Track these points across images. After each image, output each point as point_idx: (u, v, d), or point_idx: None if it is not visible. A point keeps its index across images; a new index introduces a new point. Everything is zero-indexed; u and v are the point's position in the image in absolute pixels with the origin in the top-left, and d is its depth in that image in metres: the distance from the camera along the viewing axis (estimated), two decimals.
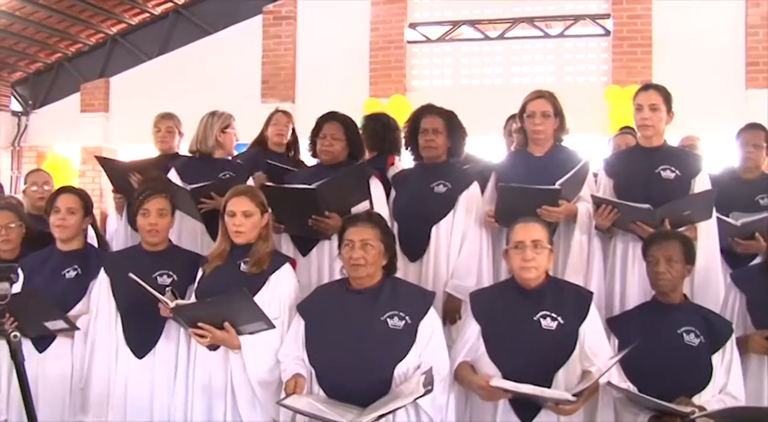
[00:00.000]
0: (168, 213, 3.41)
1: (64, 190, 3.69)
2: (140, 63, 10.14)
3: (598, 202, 3.49)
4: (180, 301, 3.05)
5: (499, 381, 2.71)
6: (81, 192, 3.68)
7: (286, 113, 4.94)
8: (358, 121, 4.21)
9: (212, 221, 3.82)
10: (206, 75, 9.36)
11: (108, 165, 4.37)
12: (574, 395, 2.65)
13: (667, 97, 3.54)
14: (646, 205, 3.35)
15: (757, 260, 3.42)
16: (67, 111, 10.41)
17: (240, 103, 8.41)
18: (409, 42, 9.08)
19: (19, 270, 3.10)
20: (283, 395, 2.82)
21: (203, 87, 9.14)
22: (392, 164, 4.19)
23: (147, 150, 9.20)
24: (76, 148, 10.33)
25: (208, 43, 9.77)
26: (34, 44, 10.34)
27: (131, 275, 3.05)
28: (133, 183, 4.10)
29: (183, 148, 4.67)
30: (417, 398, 2.63)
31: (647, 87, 3.62)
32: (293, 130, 4.85)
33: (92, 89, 10.25)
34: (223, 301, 2.97)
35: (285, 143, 4.85)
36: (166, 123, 4.55)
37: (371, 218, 3.04)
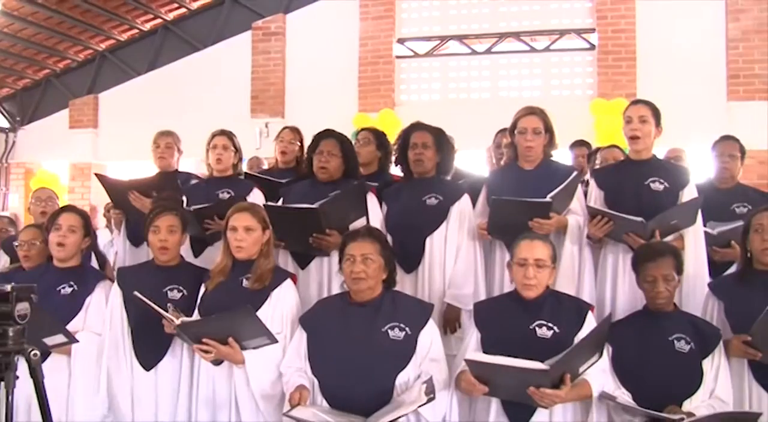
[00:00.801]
0: (179, 229, 3.47)
1: (66, 208, 3.74)
2: (129, 79, 10.20)
3: (593, 213, 3.58)
4: (185, 318, 3.11)
5: (472, 354, 2.79)
6: (83, 212, 3.73)
7: (293, 130, 4.94)
8: (351, 136, 4.30)
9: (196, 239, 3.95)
10: (196, 91, 9.44)
11: (107, 182, 4.41)
12: (548, 365, 2.72)
13: (656, 112, 3.65)
14: (639, 219, 3.44)
15: (733, 268, 3.51)
16: (55, 127, 10.45)
17: (230, 118, 8.49)
18: (397, 57, 9.22)
19: None
20: (287, 407, 2.88)
21: (193, 103, 9.23)
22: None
23: (136, 166, 9.33)
24: (65, 164, 10.36)
25: (197, 58, 9.86)
26: (22, 61, 10.38)
27: (136, 293, 3.12)
28: (131, 201, 4.15)
29: (182, 166, 4.72)
30: (420, 406, 2.70)
31: (637, 101, 3.75)
32: (301, 145, 4.87)
33: (81, 105, 10.29)
34: (228, 318, 3.03)
35: (292, 159, 4.86)
36: (165, 140, 4.56)
37: (371, 233, 3.13)
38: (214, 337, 3.03)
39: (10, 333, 2.30)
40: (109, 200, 8.16)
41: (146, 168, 8.53)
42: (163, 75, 9.97)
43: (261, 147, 8.60)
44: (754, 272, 3.25)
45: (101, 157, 10.17)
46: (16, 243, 3.86)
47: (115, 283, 3.49)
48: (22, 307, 2.32)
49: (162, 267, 3.47)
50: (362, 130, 4.58)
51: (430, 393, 2.70)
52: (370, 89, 9.12)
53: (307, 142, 4.74)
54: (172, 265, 3.48)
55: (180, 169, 4.66)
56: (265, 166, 5.83)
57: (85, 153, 10.16)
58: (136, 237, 4.30)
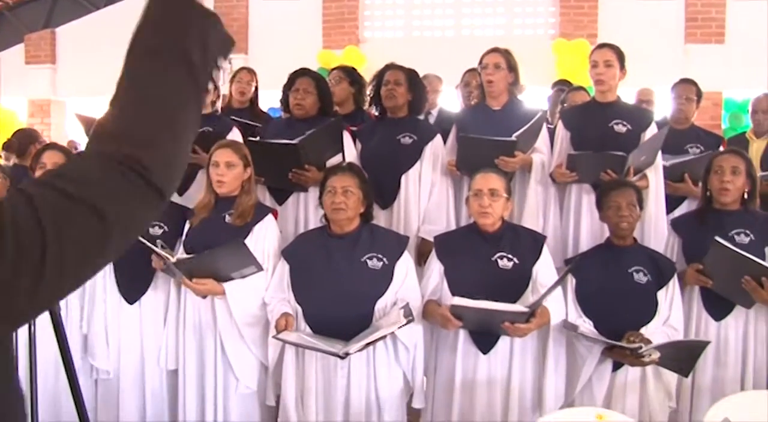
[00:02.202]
0: None
1: (50, 146, 3.77)
2: (87, 13, 9.91)
3: (573, 159, 3.71)
4: (180, 256, 3.24)
5: (458, 300, 2.95)
6: (66, 149, 3.77)
7: (250, 71, 4.99)
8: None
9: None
10: None
11: (85, 121, 4.42)
12: (526, 307, 2.93)
13: (620, 55, 3.78)
14: (621, 152, 3.59)
15: (686, 203, 3.72)
16: (10, 63, 10.13)
17: None
18: None
19: None
20: (274, 332, 3.05)
21: None
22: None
23: (97, 102, 9.19)
24: (23, 100, 10.14)
25: None
26: None
27: None
28: None
29: None
30: (400, 327, 2.89)
31: (602, 45, 3.86)
32: (256, 86, 4.93)
33: (37, 40, 10.01)
34: (221, 252, 3.16)
35: (248, 99, 4.93)
36: None
37: (352, 168, 3.28)
38: (204, 273, 3.17)
39: None
40: (70, 137, 8.17)
41: (106, 103, 8.52)
42: (123, 8, 9.63)
43: (225, 83, 8.53)
44: (712, 211, 3.44)
45: (61, 94, 9.98)
46: None
47: None
48: None
49: None
50: (333, 69, 4.64)
51: (409, 315, 2.89)
52: (334, 26, 9.06)
53: (262, 82, 4.85)
54: None
55: None
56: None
57: (43, 89, 9.95)
58: None
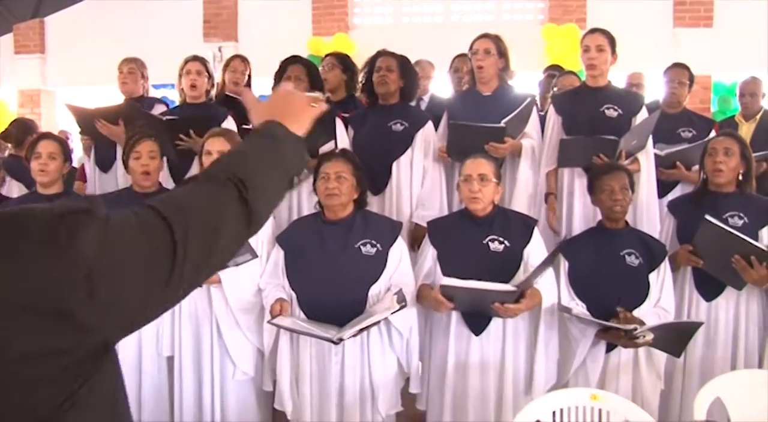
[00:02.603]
0: (158, 155, 3.55)
1: (44, 136, 3.78)
2: (76, 2, 9.81)
3: (564, 146, 3.74)
4: None
5: (448, 280, 2.99)
6: (60, 139, 3.77)
7: (243, 60, 4.95)
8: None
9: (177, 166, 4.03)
10: (146, 15, 9.19)
11: (75, 111, 4.43)
12: (515, 286, 2.98)
13: (611, 40, 3.80)
14: (613, 137, 3.62)
15: (678, 187, 3.76)
16: None
17: (182, 42, 8.36)
18: None
19: None
20: (269, 317, 3.08)
21: (143, 27, 9.04)
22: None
23: (87, 91, 9.17)
24: (12, 90, 10.09)
25: None
26: None
27: None
28: (99, 128, 4.20)
29: (150, 92, 4.75)
30: (393, 312, 2.93)
31: (594, 30, 3.87)
32: (249, 75, 4.94)
33: (26, 30, 9.93)
34: None
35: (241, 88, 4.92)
36: (128, 65, 4.54)
37: (345, 154, 3.30)
38: None
39: None
40: (60, 127, 8.15)
41: (97, 93, 8.50)
42: None
43: (217, 71, 8.53)
44: (708, 193, 3.48)
45: (50, 84, 9.93)
46: None
47: None
48: None
49: (140, 193, 3.54)
50: (326, 56, 4.66)
51: (402, 301, 2.92)
52: (323, 12, 9.03)
53: (253, 70, 4.85)
54: (151, 192, 3.55)
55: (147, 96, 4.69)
56: None
57: (33, 79, 9.87)
58: (104, 162, 4.39)
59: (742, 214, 3.38)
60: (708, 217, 3.20)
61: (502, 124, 3.64)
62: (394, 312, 2.93)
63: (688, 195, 3.71)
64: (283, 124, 1.29)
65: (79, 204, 0.97)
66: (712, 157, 3.43)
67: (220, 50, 8.95)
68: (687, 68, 4.53)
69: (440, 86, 5.72)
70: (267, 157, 1.24)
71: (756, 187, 3.59)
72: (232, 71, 4.87)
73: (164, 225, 1.02)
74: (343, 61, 4.50)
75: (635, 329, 3.00)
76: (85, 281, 0.90)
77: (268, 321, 3.08)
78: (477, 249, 3.18)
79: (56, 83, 9.88)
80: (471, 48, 3.94)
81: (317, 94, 1.49)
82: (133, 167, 3.53)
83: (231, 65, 4.90)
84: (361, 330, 2.92)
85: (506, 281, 3.09)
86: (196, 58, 4.30)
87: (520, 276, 3.14)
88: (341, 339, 2.88)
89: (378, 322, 2.99)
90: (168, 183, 4.03)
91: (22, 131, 5.27)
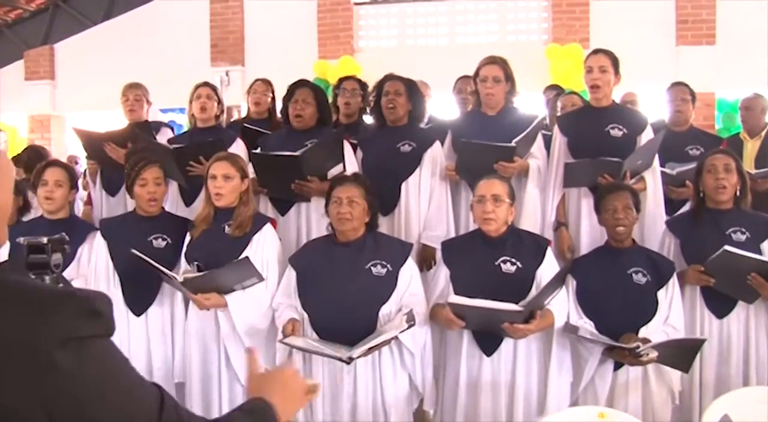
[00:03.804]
0: (162, 181, 3.61)
1: (51, 163, 3.82)
2: (85, 29, 10.00)
3: (572, 167, 3.76)
4: (187, 275, 3.30)
5: (455, 298, 3.02)
6: (67, 166, 3.83)
7: (265, 81, 5.01)
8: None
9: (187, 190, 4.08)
10: (154, 40, 9.33)
11: (83, 135, 4.50)
12: (523, 306, 3.00)
13: (615, 61, 3.82)
14: (617, 159, 3.65)
15: (687, 206, 3.79)
16: (10, 79, 10.22)
17: (190, 67, 8.51)
18: (355, 3, 9.23)
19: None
20: (281, 336, 3.12)
21: (152, 52, 9.16)
22: None
23: (96, 116, 9.28)
24: (23, 116, 10.21)
25: (154, 7, 9.70)
26: None
27: (134, 251, 3.29)
28: (108, 152, 4.26)
29: (152, 117, 4.82)
30: (402, 331, 2.96)
31: (597, 51, 3.90)
32: (273, 97, 4.98)
33: (36, 56, 10.10)
34: (227, 270, 3.24)
35: (265, 110, 4.95)
36: (134, 92, 4.63)
37: (357, 179, 3.35)
38: (209, 288, 3.24)
39: (48, 282, 2.50)
40: (70, 152, 8.23)
41: (106, 118, 8.60)
42: (120, 24, 9.80)
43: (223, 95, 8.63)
44: (707, 210, 3.50)
45: (60, 109, 10.05)
46: None
47: (98, 234, 3.63)
48: (57, 258, 2.51)
49: (144, 217, 3.60)
50: (344, 79, 4.71)
51: (411, 320, 2.96)
52: (329, 36, 9.14)
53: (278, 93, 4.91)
54: (154, 215, 3.61)
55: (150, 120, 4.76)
56: (236, 116, 5.91)
57: (43, 104, 10.02)
58: (112, 186, 4.44)
59: (744, 229, 3.41)
60: (729, 249, 3.21)
61: (512, 144, 3.68)
62: (403, 331, 2.96)
63: (685, 213, 3.70)
64: (273, 409, 1.30)
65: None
66: (713, 174, 3.45)
67: (227, 74, 9.05)
68: (687, 85, 4.58)
69: (443, 107, 5.77)
70: None
71: (756, 202, 3.61)
72: (253, 92, 4.93)
73: None
74: (363, 89, 4.58)
75: (638, 347, 3.01)
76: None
77: (280, 340, 3.11)
78: (489, 270, 3.21)
79: (66, 108, 10.01)
80: (477, 73, 3.96)
81: (317, 383, 1.53)
82: (140, 193, 3.57)
83: (252, 87, 4.96)
84: (371, 348, 2.95)
85: (518, 302, 3.10)
86: (206, 84, 4.42)
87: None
88: (351, 359, 2.91)
89: (388, 342, 3.02)
90: (179, 207, 4.09)
91: (34, 158, 5.33)
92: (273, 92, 4.96)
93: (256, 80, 5.08)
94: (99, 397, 1.00)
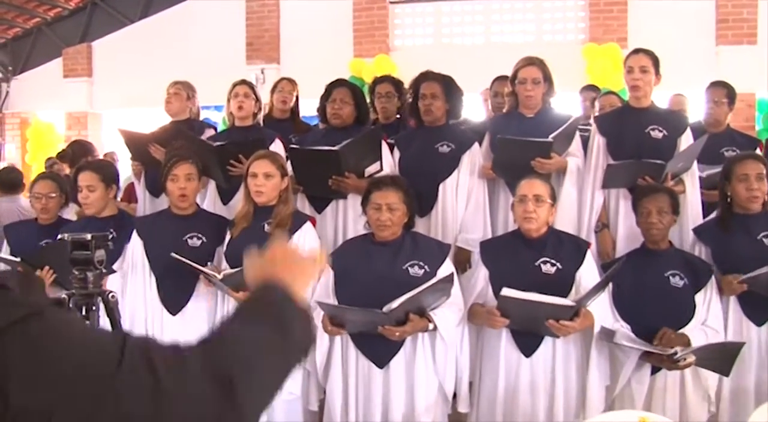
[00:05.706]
0: (195, 177, 3.61)
1: (82, 167, 3.86)
2: (122, 26, 10.14)
3: (611, 170, 3.72)
4: (226, 271, 3.33)
5: (508, 291, 2.98)
6: (98, 168, 3.84)
7: (290, 81, 5.04)
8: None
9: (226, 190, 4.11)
10: (190, 38, 9.40)
11: (127, 135, 4.52)
12: (573, 301, 2.98)
13: (655, 61, 3.78)
14: (660, 161, 3.61)
15: (714, 214, 3.74)
16: (49, 76, 10.41)
17: (225, 65, 8.57)
18: (391, 2, 9.21)
19: None
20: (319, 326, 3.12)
21: (188, 50, 9.23)
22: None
23: (132, 114, 9.40)
24: (60, 113, 10.37)
25: (190, 5, 9.79)
26: (12, 9, 10.28)
27: (174, 255, 3.33)
28: (152, 152, 4.25)
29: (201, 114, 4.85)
30: (434, 283, 3.02)
31: (638, 50, 3.85)
32: (297, 97, 5.01)
33: (74, 54, 10.25)
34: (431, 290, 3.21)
35: (288, 109, 4.97)
36: (174, 87, 4.59)
37: (395, 182, 3.32)
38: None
39: (90, 278, 2.55)
40: (107, 149, 8.33)
41: (143, 115, 8.70)
42: (157, 22, 9.92)
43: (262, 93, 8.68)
44: (735, 216, 3.46)
45: (97, 106, 10.21)
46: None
47: (134, 233, 3.66)
48: (100, 254, 2.58)
49: (179, 216, 3.62)
50: (379, 81, 4.72)
51: (449, 281, 3.02)
52: (364, 35, 9.14)
53: (302, 93, 4.93)
54: (190, 214, 3.63)
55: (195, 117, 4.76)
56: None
57: (80, 102, 10.17)
58: (155, 188, 4.37)
59: None
60: None
61: (549, 139, 3.65)
62: (434, 284, 2.99)
63: (713, 220, 3.62)
64: (286, 290, 1.15)
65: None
66: (745, 182, 3.41)
67: (262, 72, 9.09)
68: (726, 86, 4.48)
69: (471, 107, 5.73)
70: (269, 347, 1.09)
71: None
72: (279, 91, 4.95)
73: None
74: (399, 89, 4.58)
75: (676, 352, 2.99)
76: None
77: (315, 301, 3.10)
78: (528, 271, 3.19)
79: (103, 106, 10.16)
80: (515, 75, 3.93)
81: (318, 251, 1.47)
82: (171, 189, 3.59)
83: (278, 86, 4.98)
84: (407, 301, 2.96)
85: None
86: (243, 82, 4.43)
87: (572, 298, 3.13)
88: (389, 311, 2.94)
89: (422, 293, 3.00)
90: (216, 205, 4.11)
91: (79, 152, 5.40)
92: (297, 92, 4.98)
93: (282, 79, 5.10)
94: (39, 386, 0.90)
